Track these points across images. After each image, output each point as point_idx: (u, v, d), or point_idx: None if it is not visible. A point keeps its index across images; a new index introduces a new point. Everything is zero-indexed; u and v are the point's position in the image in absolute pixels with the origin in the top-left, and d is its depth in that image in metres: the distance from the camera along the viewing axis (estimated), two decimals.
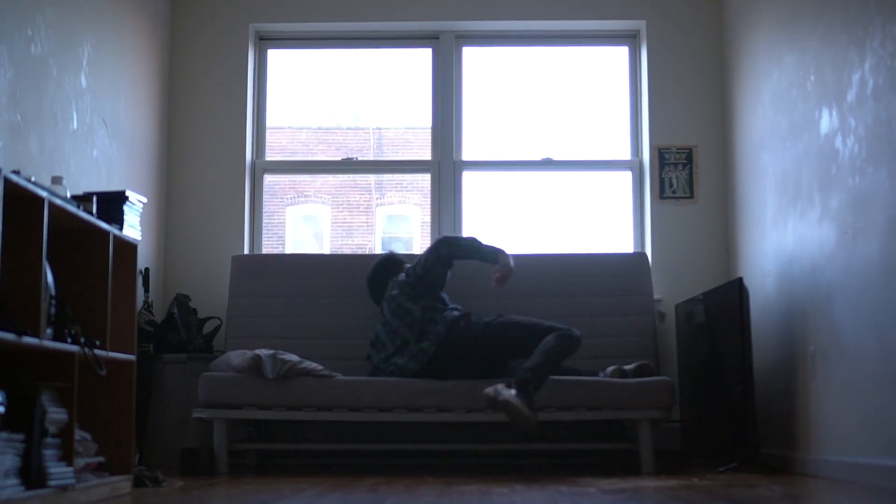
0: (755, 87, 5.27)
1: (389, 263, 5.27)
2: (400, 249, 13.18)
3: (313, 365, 4.86)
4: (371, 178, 12.74)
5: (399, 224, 13.41)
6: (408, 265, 5.23)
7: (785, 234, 4.82)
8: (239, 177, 5.87)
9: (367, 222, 13.26)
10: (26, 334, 2.94)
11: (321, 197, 13.36)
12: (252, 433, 5.27)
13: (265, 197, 6.04)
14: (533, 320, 4.92)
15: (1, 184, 2.80)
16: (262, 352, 4.81)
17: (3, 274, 2.90)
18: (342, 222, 13.43)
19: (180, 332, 5.30)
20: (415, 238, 12.94)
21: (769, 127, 5.04)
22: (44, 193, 3.06)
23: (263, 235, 6.05)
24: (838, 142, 4.18)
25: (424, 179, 11.49)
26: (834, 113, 4.22)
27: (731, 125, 5.69)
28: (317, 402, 4.77)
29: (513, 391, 4.52)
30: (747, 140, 5.41)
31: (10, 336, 2.84)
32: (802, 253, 4.59)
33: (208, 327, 5.50)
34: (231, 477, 4.58)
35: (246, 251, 5.84)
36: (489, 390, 4.57)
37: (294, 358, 4.84)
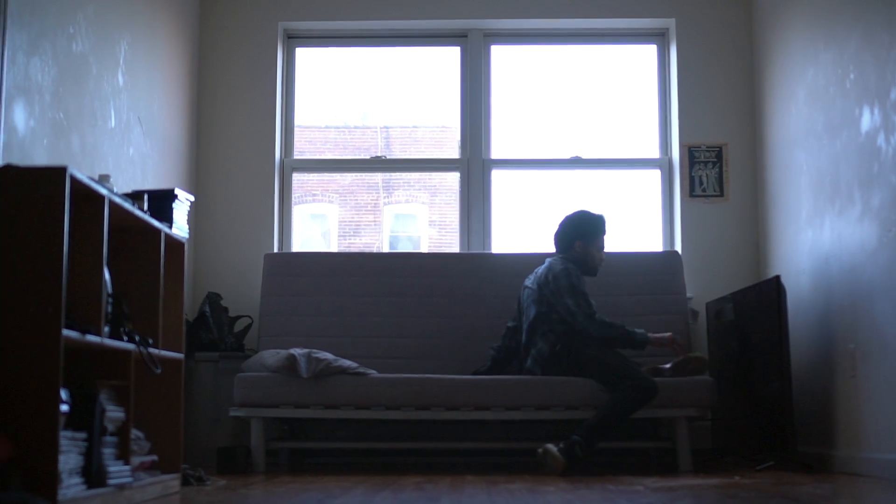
0: (788, 84, 5.27)
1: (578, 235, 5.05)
2: (408, 248, 13.20)
3: (348, 363, 4.86)
4: (378, 177, 12.78)
5: (406, 223, 13.41)
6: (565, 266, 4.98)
7: (821, 233, 4.82)
8: (268, 175, 5.86)
9: (374, 221, 13.26)
10: (89, 332, 2.93)
11: (328, 196, 13.37)
12: (286, 432, 5.26)
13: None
14: (615, 362, 4.75)
15: (67, 182, 2.79)
16: (297, 351, 4.81)
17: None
18: (349, 221, 13.44)
19: (212, 331, 5.29)
20: (422, 237, 12.96)
21: (804, 125, 5.04)
22: (104, 191, 3.05)
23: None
24: (881, 139, 4.18)
25: (432, 178, 11.50)
26: (876, 111, 4.22)
27: (762, 123, 5.69)
28: (354, 401, 4.77)
29: (559, 446, 4.50)
30: (780, 138, 5.41)
31: (74, 334, 2.84)
32: (841, 251, 4.59)
33: (239, 326, 5.49)
34: (267, 475, 4.58)
35: (275, 249, 5.83)
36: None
37: (329, 356, 4.83)
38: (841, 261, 4.59)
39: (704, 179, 5.79)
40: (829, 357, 4.68)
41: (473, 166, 5.97)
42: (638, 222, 6.05)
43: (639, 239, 6.03)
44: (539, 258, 5.51)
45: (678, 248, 5.78)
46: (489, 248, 5.92)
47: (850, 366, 4.45)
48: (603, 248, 5.07)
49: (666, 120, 6.00)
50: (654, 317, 5.40)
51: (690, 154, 5.81)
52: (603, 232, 5.06)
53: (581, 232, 5.03)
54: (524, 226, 6.12)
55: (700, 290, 5.66)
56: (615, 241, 6.02)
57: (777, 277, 4.70)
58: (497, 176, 6.02)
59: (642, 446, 5.21)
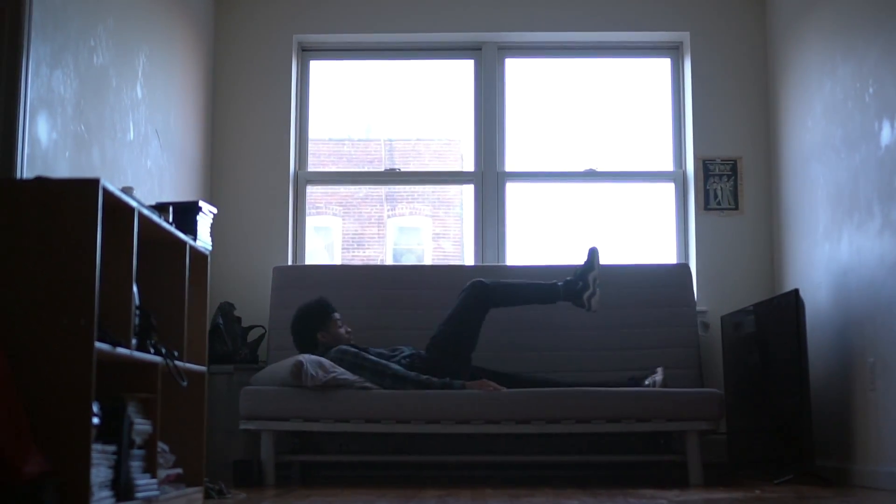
0: (805, 98, 5.28)
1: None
2: (411, 261, 13.22)
3: (352, 377, 4.83)
4: (383, 190, 12.81)
5: (410, 236, 13.41)
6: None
7: (839, 246, 4.82)
8: (282, 187, 5.86)
9: (378, 234, 13.26)
10: (120, 345, 2.93)
11: (332, 208, 13.38)
12: (297, 445, 5.25)
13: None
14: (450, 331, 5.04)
15: (100, 194, 2.79)
16: (306, 357, 4.80)
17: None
18: (353, 234, 13.44)
19: (226, 342, 5.28)
20: (426, 250, 12.96)
21: (821, 138, 5.05)
22: (134, 203, 3.05)
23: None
24: None
25: (435, 191, 11.53)
26: None
27: (778, 136, 5.69)
28: (363, 414, 4.75)
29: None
30: (795, 151, 5.42)
31: (105, 347, 2.83)
32: (860, 264, 4.59)
33: (252, 336, 5.48)
34: (282, 489, 4.56)
35: (289, 262, 5.83)
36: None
37: (337, 369, 4.83)
38: (860, 274, 4.59)
39: (719, 192, 5.80)
40: (848, 371, 4.68)
41: (488, 179, 5.97)
42: (652, 235, 6.05)
43: (653, 252, 6.03)
44: (553, 270, 5.52)
45: (692, 261, 5.78)
46: (504, 260, 5.92)
47: (870, 379, 4.44)
48: (340, 323, 5.08)
49: (680, 133, 6.01)
50: (663, 329, 5.40)
51: (705, 167, 5.82)
52: (330, 311, 5.08)
53: (314, 325, 5.04)
54: (538, 238, 6.13)
55: (715, 303, 5.66)
56: (627, 254, 6.04)
57: (796, 291, 4.70)
58: (511, 189, 6.02)
59: (654, 460, 5.19)
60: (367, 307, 5.46)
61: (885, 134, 4.33)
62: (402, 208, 13.47)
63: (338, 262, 12.26)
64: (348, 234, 13.39)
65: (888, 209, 4.30)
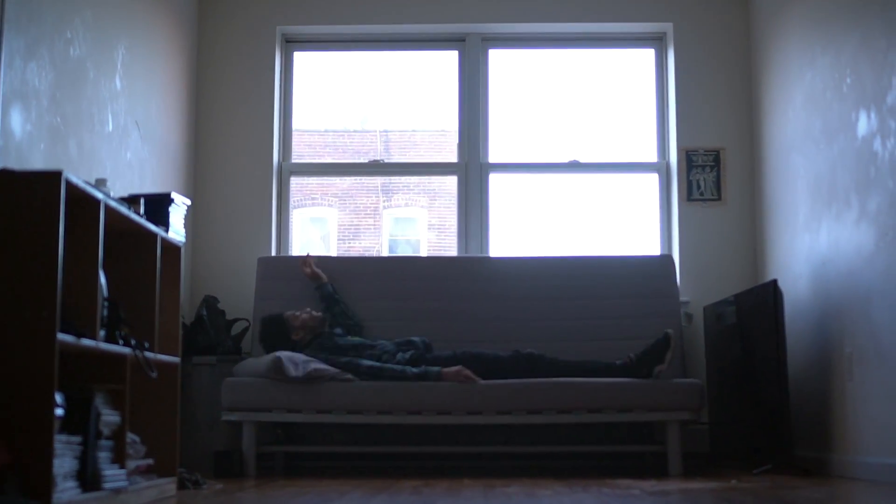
0: (786, 89, 5.28)
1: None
2: (407, 252, 13.24)
3: (327, 366, 4.84)
4: (378, 181, 12.82)
5: (406, 226, 13.43)
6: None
7: (818, 236, 4.82)
8: (266, 179, 5.87)
9: (373, 225, 13.27)
10: (85, 336, 2.94)
11: (328, 199, 13.39)
12: (280, 436, 5.27)
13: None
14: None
15: (62, 186, 2.80)
16: (282, 354, 4.81)
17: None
18: (349, 225, 13.46)
19: (210, 334, 5.29)
20: (421, 241, 12.98)
21: (801, 129, 5.05)
22: (100, 195, 3.06)
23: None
24: (877, 144, 4.18)
25: (431, 182, 11.54)
26: (872, 115, 4.23)
27: (760, 127, 5.69)
28: (344, 405, 4.76)
29: None
30: (777, 142, 5.42)
31: (69, 338, 2.84)
32: (838, 255, 4.60)
33: (236, 329, 5.50)
34: (263, 479, 4.58)
35: (273, 253, 5.84)
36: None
37: (313, 361, 4.84)
38: (838, 265, 4.60)
39: (702, 183, 5.80)
40: (827, 361, 4.69)
41: (472, 170, 5.98)
42: (636, 226, 6.06)
43: (636, 243, 6.04)
44: (537, 262, 5.55)
45: (676, 251, 5.78)
46: (487, 251, 5.92)
47: (847, 370, 4.45)
48: (297, 314, 5.11)
49: (664, 124, 6.01)
50: (647, 320, 5.39)
51: (688, 158, 5.82)
52: (281, 315, 5.13)
53: (282, 337, 5.06)
54: (522, 229, 6.13)
55: (698, 293, 5.67)
56: (610, 245, 6.05)
57: (774, 281, 4.70)
58: (495, 179, 6.03)
59: (637, 450, 5.21)
60: (354, 298, 5.47)
61: (862, 125, 4.33)
62: (397, 199, 13.49)
63: (333, 253, 12.31)
64: (344, 224, 13.43)
65: (864, 200, 4.31)
